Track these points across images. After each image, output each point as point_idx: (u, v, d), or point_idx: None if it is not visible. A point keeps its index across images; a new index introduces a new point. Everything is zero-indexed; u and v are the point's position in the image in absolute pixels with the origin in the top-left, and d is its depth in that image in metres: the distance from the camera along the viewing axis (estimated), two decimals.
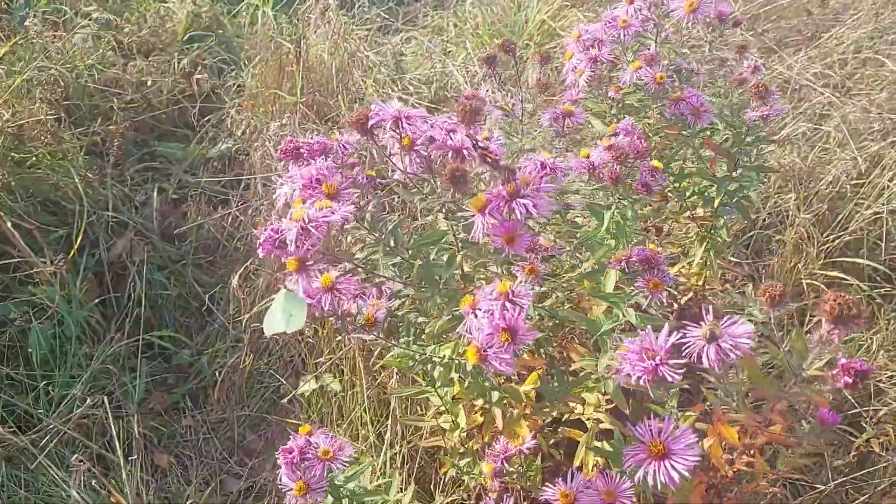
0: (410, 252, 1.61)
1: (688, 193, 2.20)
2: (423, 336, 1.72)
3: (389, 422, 2.48)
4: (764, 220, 3.48)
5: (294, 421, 2.93)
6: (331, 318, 1.62)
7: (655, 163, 1.77)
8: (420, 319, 1.74)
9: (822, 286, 3.14)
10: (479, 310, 1.33)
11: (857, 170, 3.43)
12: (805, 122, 3.78)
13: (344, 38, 3.94)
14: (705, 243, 2.19)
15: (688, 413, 1.42)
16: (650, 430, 1.27)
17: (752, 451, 1.41)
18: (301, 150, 1.64)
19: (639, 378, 1.22)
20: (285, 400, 2.91)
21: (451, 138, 1.52)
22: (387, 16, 4.84)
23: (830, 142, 3.68)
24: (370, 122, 1.50)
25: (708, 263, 2.20)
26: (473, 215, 1.45)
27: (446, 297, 1.60)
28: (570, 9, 5.01)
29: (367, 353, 2.84)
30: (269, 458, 2.96)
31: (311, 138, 1.66)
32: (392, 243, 1.58)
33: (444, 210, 1.53)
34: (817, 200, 3.46)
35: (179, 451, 3.00)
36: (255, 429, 3.10)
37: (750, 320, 2.28)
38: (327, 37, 3.91)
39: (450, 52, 4.52)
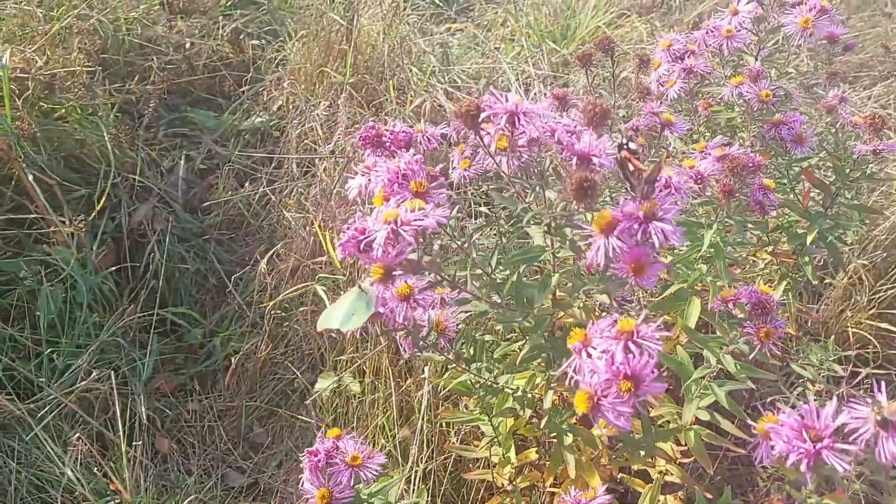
0: (499, 267, 1.42)
1: (771, 227, 2.02)
2: (494, 359, 1.54)
3: (416, 434, 2.30)
4: (818, 260, 3.30)
5: (305, 418, 2.75)
6: (400, 332, 1.44)
7: (768, 181, 1.59)
8: (487, 338, 1.56)
9: (870, 336, 2.97)
10: (594, 348, 1.12)
11: None
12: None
13: (397, 22, 3.76)
14: (785, 282, 2.01)
15: (826, 500, 1.22)
16: None
17: None
18: (384, 139, 1.46)
19: (797, 461, 1.02)
20: (308, 400, 2.73)
21: (577, 142, 1.33)
22: (440, 3, 4.66)
23: (894, 186, 3.50)
24: (481, 115, 1.30)
25: (785, 305, 2.02)
26: (592, 235, 1.25)
27: (533, 321, 1.41)
28: (627, 17, 4.84)
29: (394, 354, 2.66)
30: (276, 454, 2.79)
31: (395, 126, 1.48)
32: (473, 254, 1.39)
33: (552, 223, 1.33)
34: (874, 247, 3.28)
35: (182, 436, 2.83)
36: (264, 421, 2.93)
37: (829, 378, 2.11)
38: (380, 18, 3.72)
39: (499, 48, 4.34)
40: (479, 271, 1.41)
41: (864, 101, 4.05)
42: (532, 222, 1.38)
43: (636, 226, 1.20)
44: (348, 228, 1.22)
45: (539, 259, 1.40)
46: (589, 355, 1.10)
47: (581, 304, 1.43)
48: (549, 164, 1.34)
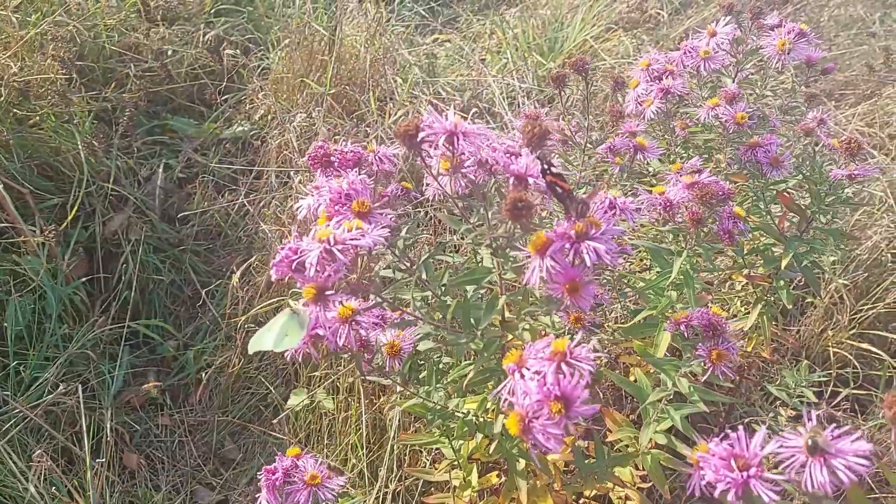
0: (444, 288, 1.39)
1: (746, 250, 1.99)
2: (446, 382, 1.51)
3: (386, 455, 2.26)
4: (798, 280, 3.28)
5: (278, 435, 2.71)
6: (344, 356, 1.40)
7: (738, 209, 1.57)
8: (445, 360, 1.52)
9: (850, 357, 2.95)
10: (528, 369, 1.10)
11: None
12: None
13: (381, 33, 3.73)
14: (760, 306, 1.98)
15: None
16: None
17: None
18: (332, 159, 1.43)
19: (725, 491, 1.00)
20: (280, 417, 2.68)
21: (514, 162, 1.31)
22: (426, 15, 4.63)
23: (876, 205, 3.49)
24: (420, 136, 1.27)
25: (760, 328, 1.99)
26: (529, 256, 1.23)
27: (480, 344, 1.38)
28: (614, 32, 4.83)
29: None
30: (247, 470, 2.74)
31: (345, 146, 1.46)
32: (423, 275, 1.36)
33: (492, 245, 1.30)
34: (855, 266, 3.26)
35: (151, 451, 2.78)
36: (235, 437, 2.88)
37: (801, 401, 2.08)
38: (364, 29, 3.70)
39: (485, 60, 4.31)
40: (428, 293, 1.38)
41: (848, 120, 4.05)
42: (475, 243, 1.35)
43: (568, 245, 1.17)
44: (282, 248, 1.19)
45: (484, 280, 1.37)
46: (522, 376, 1.07)
47: (528, 327, 1.40)
48: (493, 185, 1.32)
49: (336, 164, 1.45)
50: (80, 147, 2.98)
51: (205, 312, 3.10)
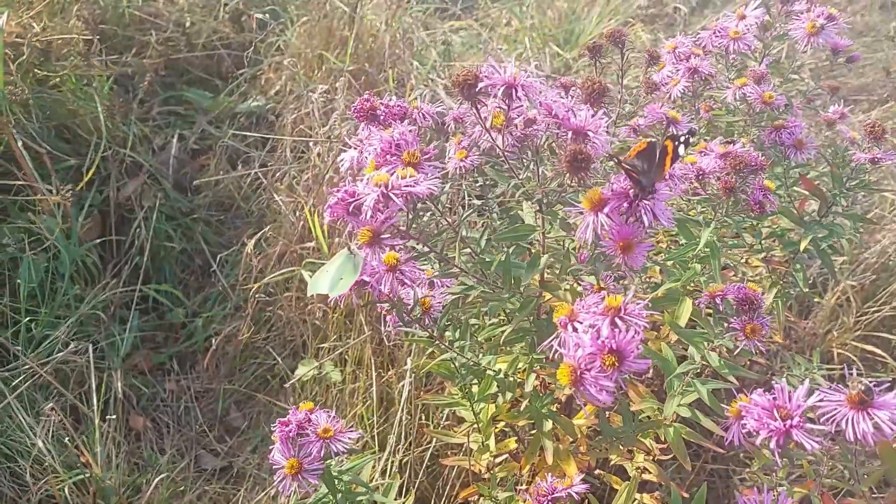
0: (485, 243, 1.40)
1: (764, 233, 2.00)
2: (480, 340, 1.52)
3: (395, 426, 2.27)
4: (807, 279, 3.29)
5: (283, 404, 2.72)
6: (384, 304, 1.41)
7: (768, 182, 1.58)
8: (472, 322, 1.53)
9: (854, 358, 2.96)
10: (580, 323, 1.11)
11: None
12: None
13: (400, 13, 3.73)
14: (775, 290, 1.99)
15: (797, 489, 1.22)
16: None
17: None
18: (377, 112, 1.44)
19: (767, 439, 1.02)
20: (287, 385, 2.69)
21: (573, 116, 1.31)
22: None
23: (886, 208, 3.51)
24: (479, 86, 1.27)
25: (774, 313, 2.00)
26: (582, 212, 1.23)
27: (519, 302, 1.39)
28: (631, 26, 4.83)
29: (377, 344, 2.63)
30: (252, 438, 2.75)
31: (390, 100, 1.47)
32: (464, 232, 1.37)
33: (544, 201, 1.30)
34: (863, 269, 3.28)
35: (158, 415, 2.79)
36: (241, 406, 2.89)
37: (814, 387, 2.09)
38: (383, 9, 3.70)
39: (502, 48, 4.32)
40: (468, 250, 1.39)
41: (861, 125, 4.05)
42: (523, 198, 1.36)
43: (626, 203, 1.18)
44: (338, 191, 1.20)
45: (528, 238, 1.38)
46: (575, 329, 1.08)
47: (568, 287, 1.41)
48: (545, 141, 1.32)
49: (382, 117, 1.46)
50: (98, 110, 2.98)
51: (215, 281, 3.10)
